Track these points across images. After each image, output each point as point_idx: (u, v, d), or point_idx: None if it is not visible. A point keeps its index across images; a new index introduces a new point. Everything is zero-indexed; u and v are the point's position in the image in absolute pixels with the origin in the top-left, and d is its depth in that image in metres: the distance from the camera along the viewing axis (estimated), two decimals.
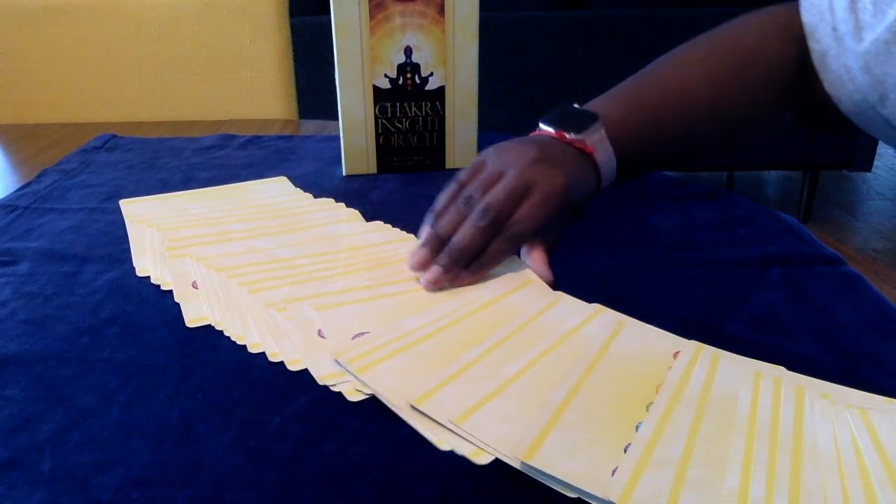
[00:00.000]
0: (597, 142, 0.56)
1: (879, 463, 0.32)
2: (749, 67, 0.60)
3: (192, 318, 0.45)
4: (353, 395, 0.38)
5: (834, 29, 0.53)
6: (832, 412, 0.36)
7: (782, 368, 0.40)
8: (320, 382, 0.39)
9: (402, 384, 0.38)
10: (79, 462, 0.33)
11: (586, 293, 0.48)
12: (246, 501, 0.31)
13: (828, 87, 0.55)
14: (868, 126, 0.56)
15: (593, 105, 0.59)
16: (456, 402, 0.36)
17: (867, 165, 2.47)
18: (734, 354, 0.41)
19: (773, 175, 3.01)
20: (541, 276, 0.50)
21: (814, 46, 0.55)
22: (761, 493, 0.31)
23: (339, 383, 0.39)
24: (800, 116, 0.62)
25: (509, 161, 0.53)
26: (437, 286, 0.48)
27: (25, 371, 0.40)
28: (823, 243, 0.55)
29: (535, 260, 0.51)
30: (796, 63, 0.58)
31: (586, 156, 0.55)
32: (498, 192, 0.50)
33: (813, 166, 2.39)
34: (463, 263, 0.49)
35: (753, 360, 0.40)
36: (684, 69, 0.62)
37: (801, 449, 0.33)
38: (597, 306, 0.46)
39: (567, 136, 0.56)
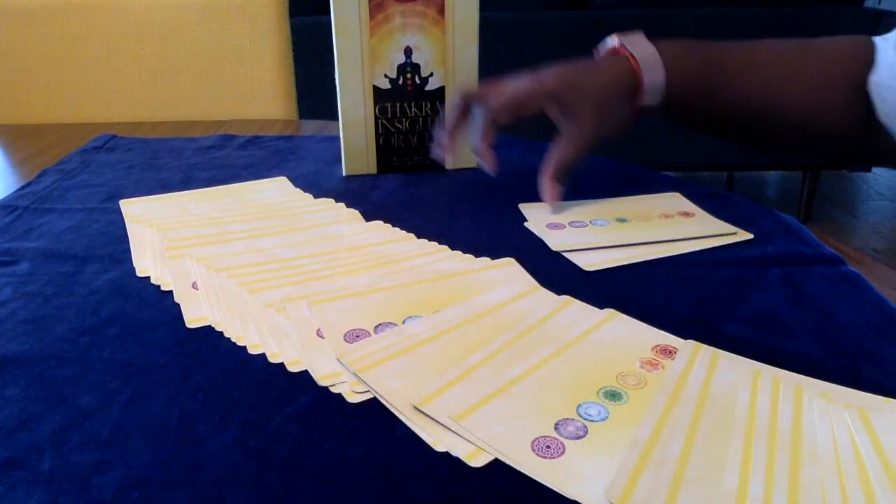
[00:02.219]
0: (635, 44, 0.62)
1: (878, 462, 0.32)
2: (824, 71, 0.62)
3: (192, 319, 0.45)
4: (353, 397, 0.38)
5: (892, 65, 0.56)
6: (831, 412, 0.36)
7: (781, 369, 0.40)
8: (319, 383, 0.39)
9: (403, 385, 0.38)
10: (79, 462, 0.33)
11: (586, 293, 0.48)
12: (246, 501, 0.31)
13: (884, 118, 0.57)
14: None
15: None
16: (458, 403, 0.36)
17: (867, 165, 2.47)
18: (733, 354, 0.41)
19: (773, 175, 3.01)
20: (563, 158, 0.61)
21: (872, 78, 0.58)
22: (760, 493, 0.31)
23: (338, 383, 0.39)
24: (865, 145, 0.63)
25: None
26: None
27: (25, 371, 0.40)
28: (823, 243, 0.55)
29: (556, 146, 0.61)
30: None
31: (622, 59, 0.62)
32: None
33: (813, 166, 2.39)
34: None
35: (752, 360, 0.40)
36: (759, 46, 0.64)
37: (800, 448, 0.33)
38: (609, 311, 0.45)
39: (614, 43, 0.64)
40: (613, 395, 0.37)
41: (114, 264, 0.53)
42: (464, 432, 0.34)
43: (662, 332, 0.43)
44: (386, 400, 0.37)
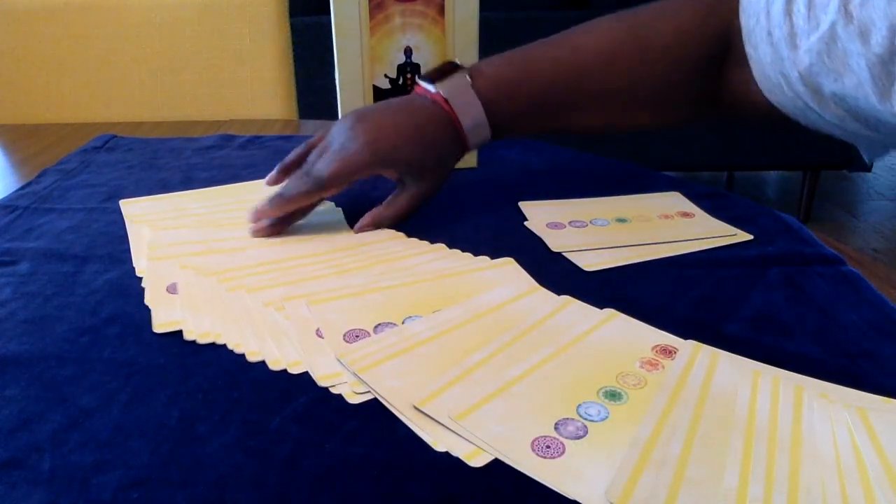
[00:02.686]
0: (452, 90, 0.58)
1: (878, 463, 0.32)
2: (656, 43, 0.59)
3: (160, 323, 0.44)
4: (353, 397, 0.38)
5: (769, 34, 0.50)
6: (831, 412, 0.36)
7: (781, 369, 0.40)
8: (319, 383, 0.39)
9: (403, 385, 0.38)
10: (79, 462, 0.33)
11: (586, 293, 0.48)
12: (246, 501, 0.31)
13: (767, 93, 0.54)
14: (812, 125, 0.54)
15: (478, 63, 0.61)
16: (458, 403, 0.36)
17: (867, 165, 2.47)
18: (732, 354, 0.41)
19: (773, 175, 3.01)
20: (381, 217, 0.58)
21: (750, 52, 0.53)
22: (760, 493, 0.31)
23: (338, 384, 0.39)
24: (719, 107, 0.60)
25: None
26: (258, 232, 0.57)
27: (25, 371, 0.40)
28: (823, 243, 0.55)
29: (389, 203, 0.59)
30: (714, 50, 0.57)
31: (437, 106, 0.58)
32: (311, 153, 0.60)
33: (813, 166, 2.39)
34: (273, 206, 0.57)
35: (752, 360, 0.40)
36: (582, 34, 0.63)
37: (800, 448, 0.33)
38: (609, 311, 0.45)
39: (419, 86, 0.60)
40: (613, 395, 0.37)
41: (114, 264, 0.53)
42: (464, 432, 0.34)
43: (662, 332, 0.43)
44: (386, 400, 0.37)
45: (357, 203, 0.64)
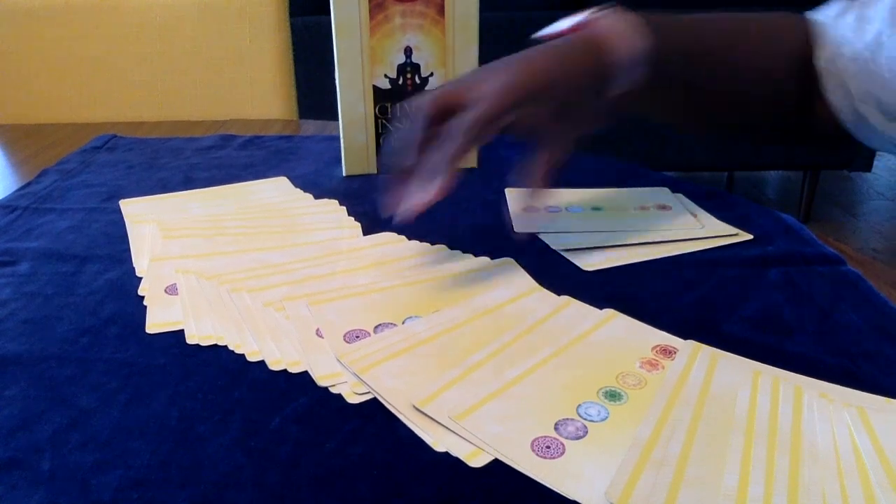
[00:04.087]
0: (603, 19, 0.51)
1: (878, 463, 0.32)
2: (776, 46, 0.59)
3: (153, 324, 0.45)
4: (353, 398, 0.38)
5: (835, 38, 0.54)
6: (831, 412, 0.36)
7: (781, 369, 0.40)
8: (319, 383, 0.39)
9: (403, 385, 0.38)
10: (79, 462, 0.33)
11: (586, 293, 0.48)
12: (246, 501, 0.31)
13: (828, 94, 0.55)
14: (866, 139, 0.56)
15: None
16: (458, 403, 0.36)
17: (867, 165, 2.47)
18: (732, 354, 0.41)
19: (773, 175, 3.01)
20: (534, 177, 0.48)
21: (818, 53, 0.55)
22: (760, 493, 0.31)
23: (338, 384, 0.39)
24: (802, 124, 0.61)
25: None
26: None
27: (25, 371, 0.40)
28: (823, 243, 0.55)
29: (535, 161, 0.48)
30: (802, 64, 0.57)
31: (588, 42, 0.49)
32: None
33: (813, 166, 2.39)
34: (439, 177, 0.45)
35: (752, 360, 0.40)
36: (717, 18, 0.59)
37: (800, 448, 0.33)
38: (609, 311, 0.45)
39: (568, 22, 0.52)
40: (613, 396, 0.37)
41: (114, 264, 0.53)
42: (463, 432, 0.34)
43: (662, 332, 0.43)
44: (386, 400, 0.37)
45: (359, 204, 0.64)
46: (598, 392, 0.37)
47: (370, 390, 0.38)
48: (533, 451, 0.33)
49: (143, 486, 0.32)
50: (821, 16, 0.58)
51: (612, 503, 0.30)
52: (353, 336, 0.43)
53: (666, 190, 0.66)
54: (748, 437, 0.34)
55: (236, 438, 0.35)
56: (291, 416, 0.36)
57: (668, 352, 0.41)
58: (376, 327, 0.43)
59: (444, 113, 0.47)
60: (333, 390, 0.38)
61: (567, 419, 0.35)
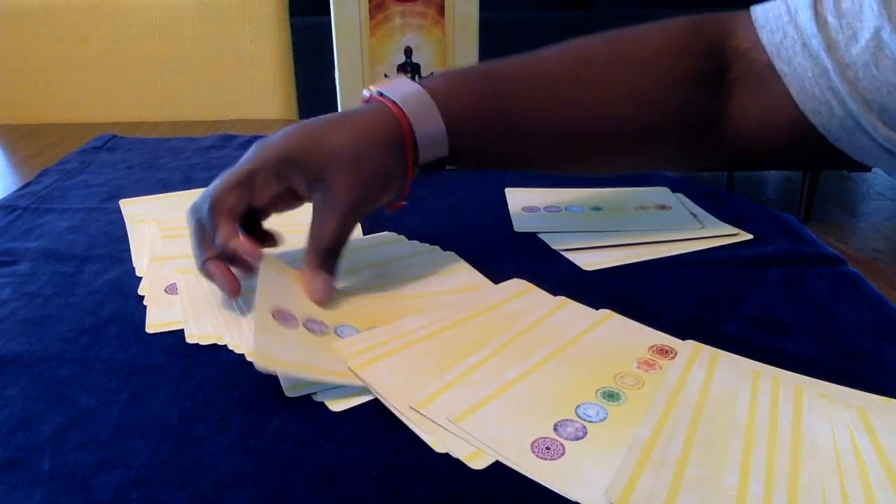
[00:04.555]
0: (395, 88, 0.48)
1: (878, 463, 0.32)
2: (636, 55, 0.52)
3: (152, 324, 0.44)
4: (336, 405, 0.37)
5: (805, 45, 0.46)
6: (831, 412, 0.36)
7: (781, 369, 0.40)
8: (287, 394, 0.38)
9: (402, 384, 0.38)
10: (79, 462, 0.33)
11: (585, 293, 0.48)
12: (246, 501, 0.31)
13: (810, 114, 0.48)
14: (858, 153, 0.49)
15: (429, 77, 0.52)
16: (456, 405, 0.36)
17: (867, 166, 2.47)
18: (732, 354, 0.41)
19: (773, 175, 3.01)
20: (313, 245, 0.45)
21: (782, 68, 0.48)
22: (760, 493, 0.31)
23: (319, 392, 0.38)
24: (723, 142, 0.53)
25: None
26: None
27: (25, 371, 0.40)
28: (823, 243, 0.55)
29: (311, 229, 0.45)
30: (705, 71, 0.51)
31: (380, 106, 0.47)
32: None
33: (813, 166, 2.39)
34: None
35: (752, 360, 0.40)
36: (554, 46, 0.52)
37: (800, 448, 0.33)
38: (606, 312, 0.45)
39: (367, 93, 0.49)
40: (612, 396, 0.37)
41: (114, 264, 0.53)
42: (463, 434, 0.34)
43: (659, 332, 0.43)
44: (384, 398, 0.37)
45: None
46: (596, 392, 0.37)
47: (368, 388, 0.38)
48: (533, 452, 0.33)
49: (143, 486, 0.32)
50: (758, 11, 0.50)
51: (612, 503, 0.30)
52: (280, 315, 0.41)
53: (666, 190, 0.66)
54: (748, 436, 0.34)
55: (236, 438, 0.35)
56: (291, 415, 0.36)
57: (665, 352, 0.41)
58: (307, 321, 0.42)
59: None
60: (316, 398, 0.38)
61: (566, 420, 0.35)
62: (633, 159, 0.55)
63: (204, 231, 0.45)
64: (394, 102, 0.46)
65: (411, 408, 0.36)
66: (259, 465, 0.33)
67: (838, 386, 0.38)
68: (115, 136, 0.88)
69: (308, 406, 0.37)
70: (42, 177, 0.73)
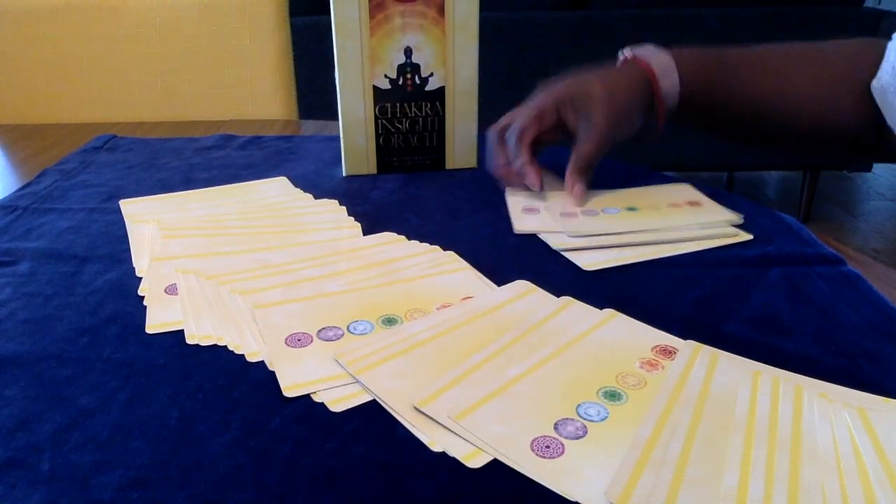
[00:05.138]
0: (647, 52, 0.65)
1: (878, 462, 0.32)
2: (833, 72, 0.64)
3: (152, 324, 0.44)
4: (336, 406, 0.37)
5: (894, 67, 0.57)
6: (831, 412, 0.36)
7: (781, 369, 0.40)
8: (285, 394, 0.38)
9: (402, 387, 0.38)
10: (79, 462, 0.33)
11: (586, 293, 0.48)
12: (246, 501, 0.31)
13: (890, 121, 0.58)
14: None
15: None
16: (457, 403, 0.36)
17: (867, 165, 2.47)
18: (733, 354, 0.41)
19: (773, 175, 3.01)
20: (575, 168, 0.62)
21: (874, 84, 0.59)
22: (760, 493, 0.31)
23: (320, 391, 0.38)
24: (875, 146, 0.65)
25: None
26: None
27: (25, 371, 0.40)
28: (823, 243, 0.55)
29: (575, 146, 0.62)
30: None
31: (635, 66, 0.64)
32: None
33: (813, 166, 2.39)
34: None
35: (752, 360, 0.40)
36: (767, 49, 0.67)
37: (800, 448, 0.33)
38: (609, 311, 0.45)
39: (625, 53, 0.67)
40: (613, 396, 0.37)
41: (114, 264, 0.53)
42: (463, 432, 0.34)
43: (662, 332, 0.43)
44: (384, 401, 0.37)
45: (359, 204, 0.64)
46: (597, 392, 0.37)
47: (367, 392, 0.38)
48: (532, 450, 0.33)
49: (143, 485, 0.32)
50: (891, 42, 0.61)
51: (612, 503, 0.30)
52: (294, 340, 0.42)
53: (687, 185, 0.66)
54: (748, 436, 0.34)
55: (236, 438, 0.35)
56: (292, 415, 0.36)
57: (667, 352, 0.41)
58: (319, 331, 0.43)
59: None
60: (316, 399, 0.38)
61: (567, 419, 0.35)
62: (804, 142, 0.69)
63: (503, 147, 0.65)
64: (646, 63, 0.64)
65: (414, 407, 0.36)
66: (259, 465, 0.33)
67: (838, 386, 0.38)
68: (115, 136, 0.88)
69: (308, 406, 0.37)
70: (42, 177, 0.73)
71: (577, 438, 0.34)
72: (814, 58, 0.65)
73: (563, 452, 0.33)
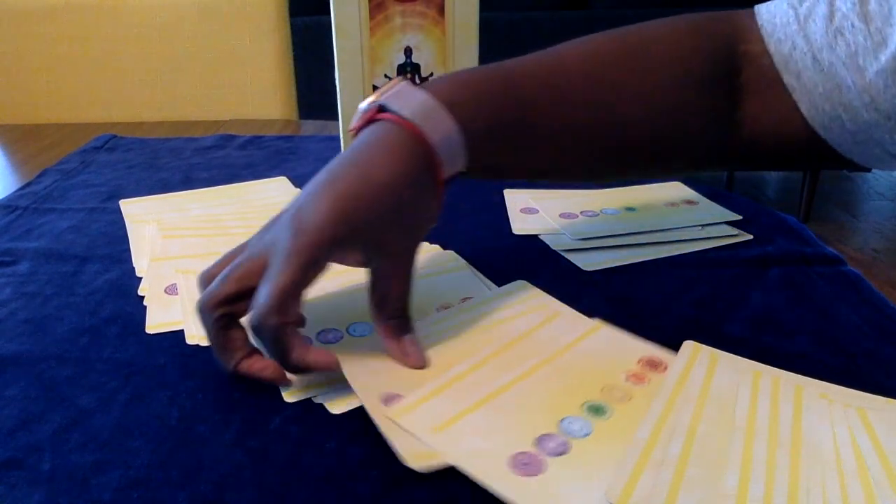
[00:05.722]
0: (415, 111, 0.40)
1: (878, 462, 0.32)
2: (650, 53, 0.49)
3: (152, 325, 0.44)
4: (336, 408, 0.37)
5: (815, 59, 0.45)
6: (831, 412, 0.36)
7: (781, 369, 0.40)
8: (286, 399, 0.38)
9: (382, 383, 0.37)
10: (79, 462, 0.33)
11: (586, 293, 0.48)
12: (246, 501, 0.31)
13: (820, 129, 0.47)
14: (873, 162, 0.48)
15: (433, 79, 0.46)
16: (436, 415, 0.35)
17: (860, 167, 2.47)
18: (732, 354, 0.41)
19: (773, 175, 3.01)
20: (380, 319, 0.41)
21: (791, 82, 0.46)
22: (760, 493, 0.31)
23: (319, 394, 0.38)
24: (738, 148, 0.50)
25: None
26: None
27: (25, 371, 0.40)
28: (823, 243, 0.55)
29: (373, 293, 0.40)
30: (718, 73, 0.48)
31: (404, 139, 0.40)
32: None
33: (824, 167, 2.39)
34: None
35: (752, 360, 0.40)
36: (565, 45, 0.49)
37: (800, 448, 0.33)
38: (597, 322, 0.44)
39: (365, 106, 0.42)
40: (597, 410, 0.36)
41: (114, 264, 0.53)
42: (439, 448, 0.34)
43: (649, 343, 0.42)
44: (358, 394, 0.37)
45: None
46: (581, 406, 0.36)
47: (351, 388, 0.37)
48: (510, 467, 0.32)
49: (143, 486, 0.32)
50: (764, 15, 0.48)
51: (612, 503, 0.30)
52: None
53: (679, 184, 0.67)
54: (748, 437, 0.34)
55: (236, 438, 0.35)
56: (292, 415, 0.36)
57: (654, 364, 0.40)
58: (318, 334, 0.43)
59: (237, 301, 0.38)
60: (316, 400, 0.38)
61: (549, 434, 0.34)
62: (647, 166, 0.52)
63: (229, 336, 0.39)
64: (411, 122, 0.40)
65: (387, 418, 0.35)
66: (259, 465, 0.33)
67: (838, 386, 0.38)
68: (115, 136, 0.88)
69: (308, 406, 0.37)
70: (42, 177, 0.73)
71: (558, 455, 0.33)
72: (629, 54, 0.49)
73: (543, 469, 0.32)
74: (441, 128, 0.40)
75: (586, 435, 0.34)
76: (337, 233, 0.37)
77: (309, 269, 0.36)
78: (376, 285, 0.40)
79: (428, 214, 0.42)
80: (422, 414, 0.36)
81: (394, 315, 0.40)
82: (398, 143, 0.40)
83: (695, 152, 0.51)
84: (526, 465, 0.32)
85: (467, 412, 0.36)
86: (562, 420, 0.35)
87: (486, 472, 0.32)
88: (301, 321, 0.39)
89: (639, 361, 0.40)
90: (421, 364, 0.40)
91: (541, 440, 0.34)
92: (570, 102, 0.46)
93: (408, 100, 0.41)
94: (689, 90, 0.48)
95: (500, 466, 0.32)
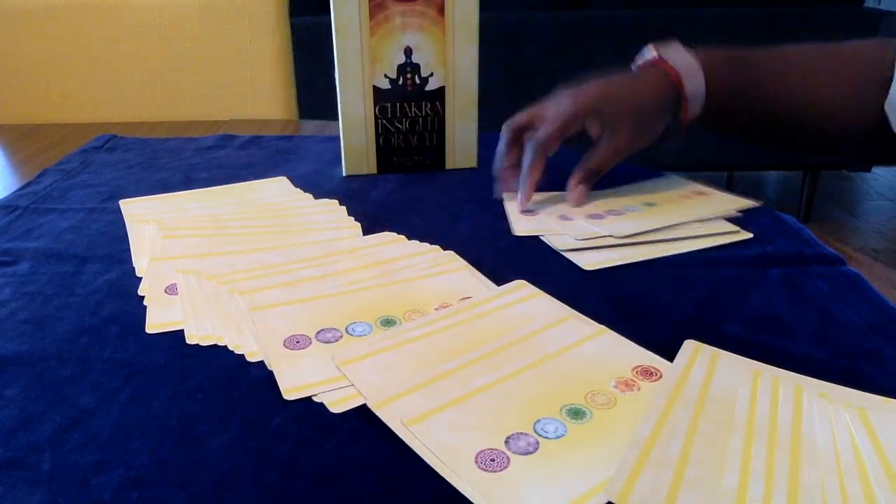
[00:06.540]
0: (674, 55, 0.63)
1: (878, 462, 0.32)
2: (849, 72, 0.63)
3: (153, 324, 0.44)
4: (336, 407, 0.37)
5: None
6: (831, 412, 0.36)
7: (781, 369, 0.40)
8: (285, 397, 0.38)
9: (381, 380, 0.38)
10: (79, 462, 0.33)
11: (586, 293, 0.48)
12: (246, 501, 0.31)
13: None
14: None
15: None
16: (413, 408, 0.36)
17: (867, 165, 2.47)
18: (732, 354, 0.41)
19: (773, 175, 3.01)
20: (585, 172, 0.62)
21: (886, 104, 0.58)
22: (760, 493, 0.31)
23: (320, 393, 0.38)
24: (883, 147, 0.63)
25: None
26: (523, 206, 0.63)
27: (25, 371, 0.40)
28: (823, 243, 0.55)
29: (590, 152, 0.63)
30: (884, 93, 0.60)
31: (661, 72, 0.62)
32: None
33: (813, 166, 2.39)
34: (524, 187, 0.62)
35: (752, 360, 0.40)
36: (788, 50, 0.65)
37: (800, 448, 0.33)
38: (600, 327, 0.44)
39: (650, 53, 0.65)
40: (576, 414, 0.36)
41: (114, 264, 0.53)
42: (411, 439, 0.34)
43: (649, 352, 0.41)
44: (363, 394, 0.37)
45: (359, 204, 0.64)
46: (560, 409, 0.36)
47: (353, 387, 0.38)
48: (476, 463, 0.32)
49: (143, 486, 0.32)
50: None
51: (612, 502, 0.30)
52: (293, 342, 0.42)
53: (676, 177, 0.69)
54: (748, 436, 0.34)
55: (236, 438, 0.35)
56: (292, 415, 0.36)
57: (649, 373, 0.40)
58: (318, 333, 0.43)
59: (524, 129, 0.65)
60: (316, 400, 0.38)
61: (520, 433, 0.34)
62: (828, 141, 0.67)
63: (515, 149, 0.65)
64: (673, 67, 0.62)
65: (370, 408, 0.36)
66: (259, 465, 0.33)
67: (838, 386, 0.38)
68: (115, 136, 0.88)
69: (308, 406, 0.37)
70: (42, 177, 0.73)
71: (525, 454, 0.33)
72: (833, 58, 0.64)
73: (506, 466, 0.32)
74: (694, 82, 0.62)
75: (560, 437, 0.34)
76: (592, 102, 0.62)
77: (571, 121, 0.61)
78: (595, 149, 0.62)
79: (653, 132, 0.64)
80: (399, 407, 0.36)
81: (588, 170, 0.62)
82: (664, 84, 0.62)
83: (861, 145, 0.66)
84: (492, 461, 0.32)
85: (443, 408, 0.36)
86: (537, 421, 0.35)
87: (452, 466, 0.32)
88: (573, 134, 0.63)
89: (634, 369, 0.40)
90: (575, 201, 0.62)
91: (511, 438, 0.34)
92: (783, 82, 0.64)
93: (682, 57, 0.63)
94: (872, 97, 0.61)
95: (467, 462, 0.32)
